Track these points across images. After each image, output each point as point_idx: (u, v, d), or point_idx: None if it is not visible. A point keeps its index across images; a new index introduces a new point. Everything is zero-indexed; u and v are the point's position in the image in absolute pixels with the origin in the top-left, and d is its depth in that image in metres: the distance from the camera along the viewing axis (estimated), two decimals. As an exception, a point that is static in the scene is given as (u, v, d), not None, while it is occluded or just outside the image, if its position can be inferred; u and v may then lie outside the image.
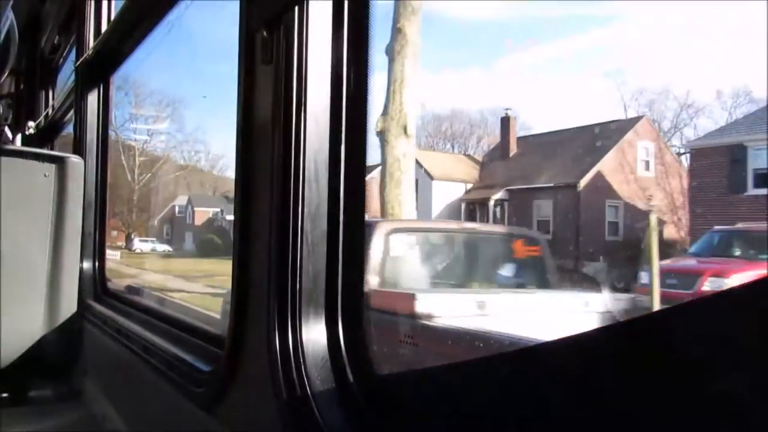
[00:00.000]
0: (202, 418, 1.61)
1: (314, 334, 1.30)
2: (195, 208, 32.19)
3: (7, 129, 4.40)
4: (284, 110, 1.33)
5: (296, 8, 1.32)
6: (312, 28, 1.33)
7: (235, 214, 1.52)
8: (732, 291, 0.69)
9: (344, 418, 1.20)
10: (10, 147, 3.60)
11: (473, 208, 14.42)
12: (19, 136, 4.36)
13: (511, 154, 14.47)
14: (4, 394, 2.93)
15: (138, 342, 2.19)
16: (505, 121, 14.99)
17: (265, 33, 1.38)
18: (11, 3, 2.85)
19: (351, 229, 1.32)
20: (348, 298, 1.31)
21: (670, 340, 0.73)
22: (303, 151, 1.31)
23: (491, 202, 13.55)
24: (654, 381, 0.73)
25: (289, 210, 1.31)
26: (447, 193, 14.83)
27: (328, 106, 1.33)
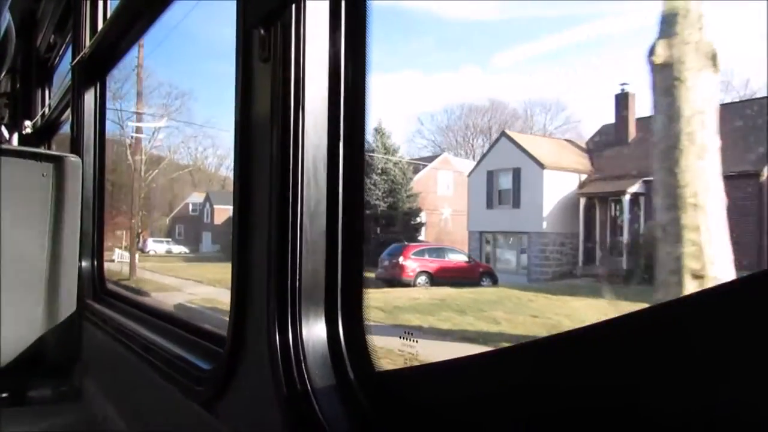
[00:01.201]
0: (203, 416, 1.61)
1: (314, 331, 1.30)
2: (214, 206, 31.08)
3: (3, 128, 4.38)
4: (282, 108, 1.33)
5: (293, 5, 1.32)
6: (309, 25, 1.32)
7: (234, 213, 1.52)
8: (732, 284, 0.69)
9: (345, 415, 1.20)
10: (8, 147, 3.59)
11: (592, 203, 12.14)
12: (15, 136, 4.34)
13: (630, 139, 11.49)
14: (4, 394, 2.92)
15: (138, 341, 2.19)
16: (622, 99, 11.53)
17: (262, 31, 1.38)
18: (8, 3, 2.83)
19: (350, 227, 1.32)
20: (347, 295, 1.31)
21: (671, 334, 0.73)
22: (301, 149, 1.31)
23: (626, 197, 11.01)
24: (658, 375, 0.73)
25: (288, 208, 1.31)
26: (559, 186, 12.75)
27: (326, 103, 1.33)
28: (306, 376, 1.25)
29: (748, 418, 0.65)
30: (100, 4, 3.19)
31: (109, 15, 3.11)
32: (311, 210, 1.31)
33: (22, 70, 4.73)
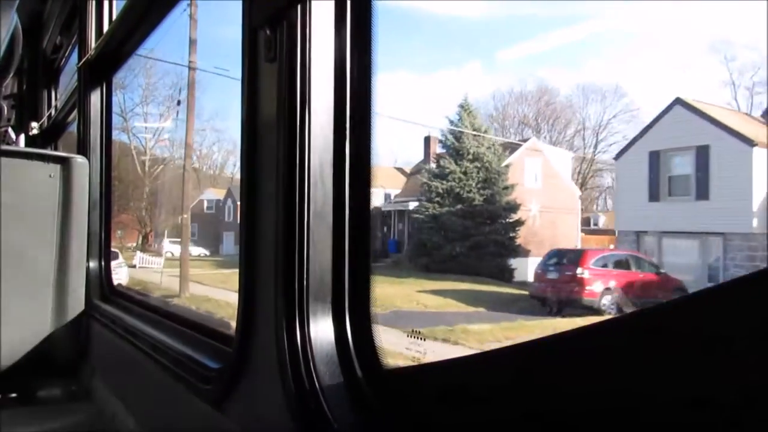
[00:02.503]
0: (211, 414, 1.62)
1: (322, 329, 1.30)
2: (239, 203, 29.31)
3: (10, 130, 4.41)
4: (288, 108, 1.33)
5: (299, 6, 1.33)
6: (315, 25, 1.33)
7: (241, 212, 1.53)
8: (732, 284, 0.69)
9: (353, 413, 1.21)
10: (15, 148, 3.61)
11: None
12: (22, 137, 4.36)
13: None
14: (13, 394, 2.94)
15: (146, 340, 2.20)
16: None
17: (268, 31, 1.39)
18: (16, 5, 2.85)
19: (357, 226, 1.32)
20: (355, 293, 1.31)
21: (669, 335, 0.73)
22: (308, 149, 1.31)
23: None
24: (656, 376, 0.73)
25: (294, 207, 1.31)
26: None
27: (332, 103, 1.34)
28: (314, 374, 1.26)
29: (747, 419, 0.65)
30: (106, 5, 3.20)
31: (115, 16, 3.13)
32: (318, 209, 1.32)
33: (28, 71, 4.75)
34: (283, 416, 1.30)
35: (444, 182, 24.28)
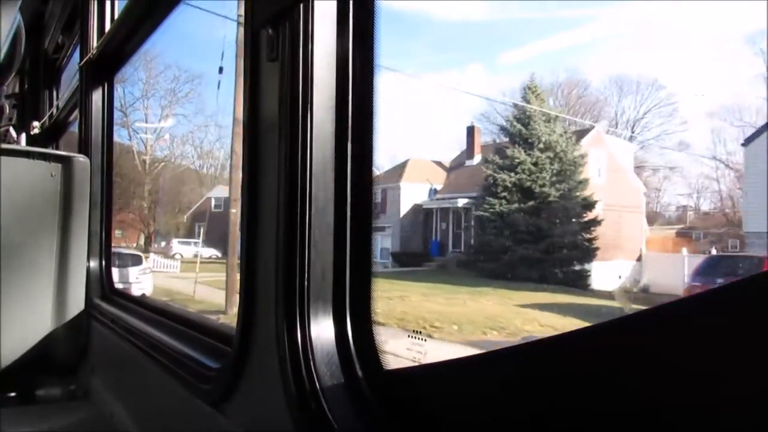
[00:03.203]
0: (211, 414, 1.62)
1: (322, 329, 1.30)
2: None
3: (12, 129, 4.41)
4: (290, 107, 1.33)
5: (301, 5, 1.32)
6: (317, 24, 1.33)
7: (242, 212, 1.53)
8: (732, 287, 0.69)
9: (353, 413, 1.20)
10: (17, 147, 3.61)
11: None
12: (24, 136, 4.37)
13: None
14: (12, 393, 2.94)
15: (145, 340, 2.20)
16: None
17: (270, 30, 1.39)
18: (19, 4, 2.85)
19: (358, 225, 1.32)
20: (355, 293, 1.31)
21: (668, 336, 0.73)
22: (310, 148, 1.31)
23: None
24: (657, 377, 0.73)
25: (296, 206, 1.31)
26: None
27: (334, 102, 1.34)
28: (314, 374, 1.26)
29: (746, 420, 0.65)
30: (108, 4, 3.21)
31: (116, 16, 3.13)
32: (319, 209, 1.32)
33: (30, 70, 4.76)
34: (283, 417, 1.29)
35: (512, 174, 21.21)
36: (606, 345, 0.82)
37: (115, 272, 3.24)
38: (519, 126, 21.87)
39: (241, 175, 1.54)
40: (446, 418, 1.04)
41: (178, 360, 1.87)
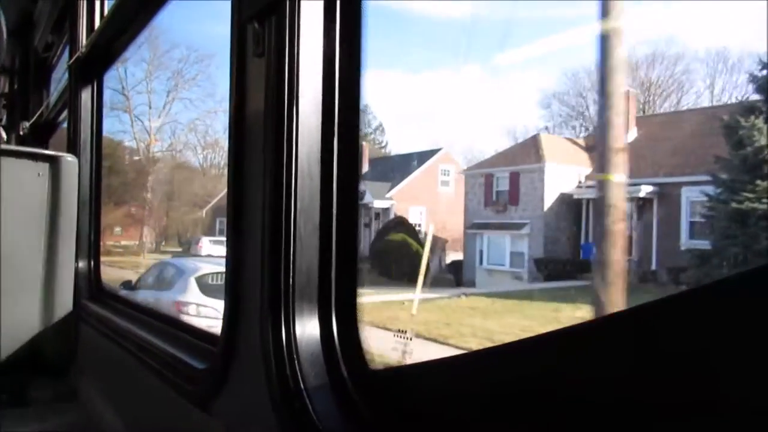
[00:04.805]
0: (197, 415, 1.60)
1: (307, 329, 1.29)
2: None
3: (1, 129, 4.38)
4: (276, 103, 1.32)
5: (288, 1, 1.31)
6: (304, 20, 1.32)
7: (227, 210, 1.51)
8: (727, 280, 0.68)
9: (338, 413, 1.19)
10: (4, 147, 3.58)
11: None
12: (13, 136, 4.34)
13: None
14: (0, 395, 2.91)
15: (133, 341, 2.18)
16: None
17: (257, 25, 1.37)
18: None
19: (344, 224, 1.31)
20: (341, 293, 1.30)
21: (663, 332, 0.72)
22: (295, 145, 1.30)
23: None
24: (651, 374, 0.72)
25: (281, 204, 1.30)
26: None
27: (321, 98, 1.33)
28: (299, 374, 1.24)
29: (744, 417, 0.64)
30: (97, 3, 3.19)
31: (105, 14, 3.11)
32: (305, 206, 1.30)
33: (19, 70, 4.73)
34: (269, 416, 1.28)
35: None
36: (595, 343, 0.81)
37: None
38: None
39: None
40: (431, 417, 1.03)
41: (165, 361, 1.86)
